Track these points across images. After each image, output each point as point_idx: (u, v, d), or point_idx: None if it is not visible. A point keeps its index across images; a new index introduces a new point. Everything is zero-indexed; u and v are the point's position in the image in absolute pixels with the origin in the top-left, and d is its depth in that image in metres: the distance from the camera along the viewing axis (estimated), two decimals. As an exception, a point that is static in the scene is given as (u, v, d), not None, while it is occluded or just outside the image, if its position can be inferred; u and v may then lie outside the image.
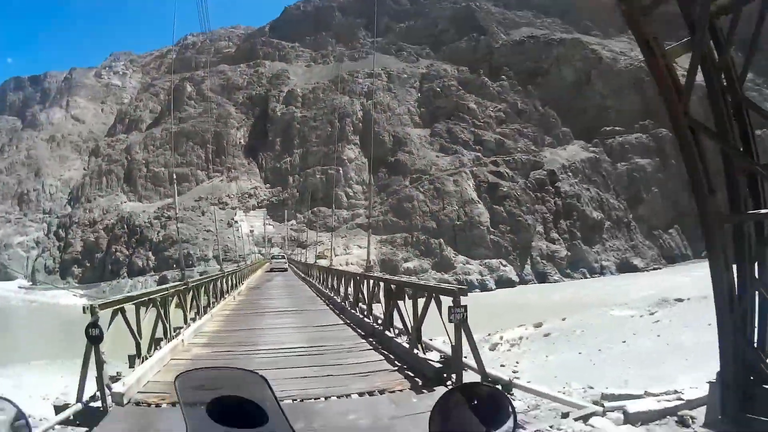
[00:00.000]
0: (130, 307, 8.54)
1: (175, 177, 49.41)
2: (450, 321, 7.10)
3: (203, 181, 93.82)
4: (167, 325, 10.72)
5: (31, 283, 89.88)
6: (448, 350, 7.84)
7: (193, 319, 13.75)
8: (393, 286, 10.73)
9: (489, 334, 24.53)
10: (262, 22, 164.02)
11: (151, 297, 9.89)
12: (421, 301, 8.91)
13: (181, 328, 12.19)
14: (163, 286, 12.20)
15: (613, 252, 77.71)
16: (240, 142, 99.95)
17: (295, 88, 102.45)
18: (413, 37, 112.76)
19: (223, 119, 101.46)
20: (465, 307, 7.06)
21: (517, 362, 18.82)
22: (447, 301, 7.52)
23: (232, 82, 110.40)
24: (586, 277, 73.58)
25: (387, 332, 10.64)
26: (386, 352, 9.81)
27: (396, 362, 9.03)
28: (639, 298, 35.14)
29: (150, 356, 9.12)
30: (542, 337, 22.99)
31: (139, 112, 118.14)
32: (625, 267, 75.68)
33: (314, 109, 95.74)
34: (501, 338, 23.57)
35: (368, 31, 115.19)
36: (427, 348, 8.94)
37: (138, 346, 8.73)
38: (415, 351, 8.68)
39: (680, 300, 26.23)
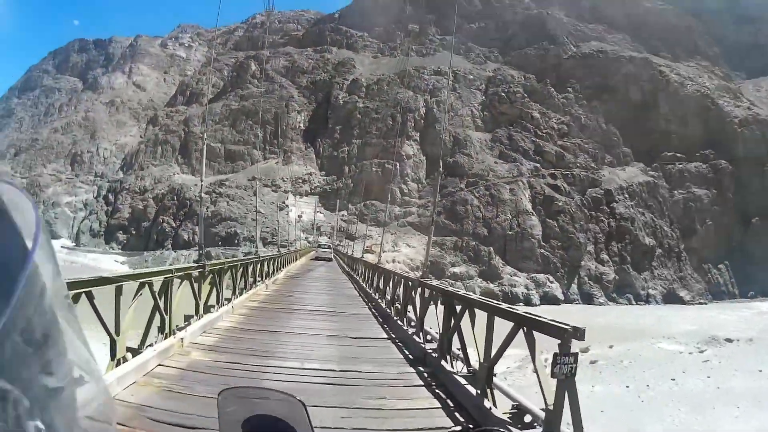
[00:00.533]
0: (107, 291, 6.65)
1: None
2: (553, 375, 4.68)
3: (258, 161, 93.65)
4: (165, 317, 8.47)
5: (74, 244, 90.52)
6: (529, 404, 5.92)
7: (208, 311, 11.39)
8: (458, 306, 8.28)
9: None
10: (332, 9, 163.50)
11: (144, 279, 7.80)
12: (500, 329, 6.49)
13: (191, 318, 10.07)
14: (166, 267, 9.48)
15: (660, 281, 75.33)
16: (299, 126, 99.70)
17: (360, 77, 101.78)
18: (483, 39, 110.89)
19: (284, 101, 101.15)
20: (576, 356, 4.73)
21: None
22: (541, 339, 5.44)
23: (297, 65, 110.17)
24: (631, 304, 71.45)
25: (444, 362, 8.22)
26: (443, 395, 7.15)
27: (456, 413, 6.46)
28: (684, 332, 34.50)
29: (129, 359, 7.03)
30: (588, 365, 22.07)
31: (201, 85, 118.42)
32: (670, 298, 73.35)
33: (377, 101, 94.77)
34: (546, 360, 22.42)
35: (438, 27, 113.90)
36: (497, 389, 6.61)
37: (113, 344, 6.68)
38: (486, 403, 6.19)
39: (729, 340, 25.41)
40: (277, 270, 25.54)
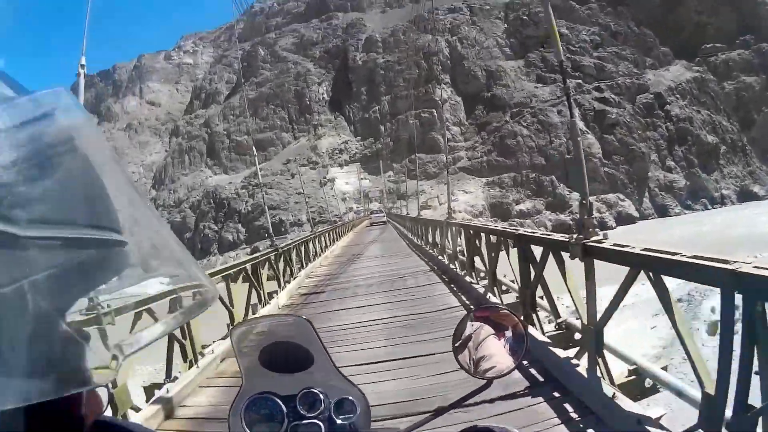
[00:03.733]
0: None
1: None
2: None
3: (289, 143, 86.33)
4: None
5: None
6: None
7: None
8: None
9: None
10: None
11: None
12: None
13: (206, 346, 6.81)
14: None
15: (732, 179, 69.06)
16: (323, 98, 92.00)
17: (373, 33, 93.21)
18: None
19: (302, 77, 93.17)
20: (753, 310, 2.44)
21: None
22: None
23: (306, 39, 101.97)
24: (707, 208, 65.15)
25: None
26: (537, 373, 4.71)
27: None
28: None
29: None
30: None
31: (215, 84, 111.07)
32: (745, 195, 67.15)
33: (397, 53, 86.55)
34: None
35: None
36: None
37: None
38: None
39: None
40: (323, 249, 21.09)
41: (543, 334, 5.52)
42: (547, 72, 75.73)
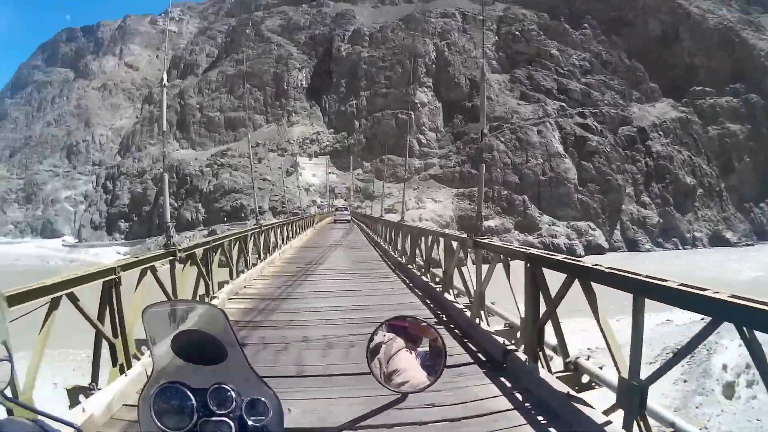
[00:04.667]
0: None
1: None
2: None
3: (261, 126, 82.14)
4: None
5: (76, 239, 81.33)
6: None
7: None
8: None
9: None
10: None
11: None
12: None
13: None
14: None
15: (705, 222, 67.71)
16: (301, 84, 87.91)
17: (362, 27, 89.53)
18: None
19: (283, 60, 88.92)
20: None
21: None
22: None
23: (293, 23, 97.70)
24: (678, 248, 63.72)
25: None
26: None
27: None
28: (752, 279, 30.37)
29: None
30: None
31: (195, 56, 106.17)
32: (716, 240, 66.10)
33: (383, 49, 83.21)
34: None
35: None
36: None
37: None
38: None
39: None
40: (274, 248, 15.86)
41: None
42: (532, 90, 73.16)
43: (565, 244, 56.62)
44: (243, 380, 1.30)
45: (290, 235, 20.84)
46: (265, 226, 14.60)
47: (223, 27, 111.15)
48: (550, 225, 59.51)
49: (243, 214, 64.88)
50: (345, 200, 66.27)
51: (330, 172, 70.36)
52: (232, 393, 1.28)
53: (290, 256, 16.39)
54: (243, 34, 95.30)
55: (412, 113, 66.79)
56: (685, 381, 9.84)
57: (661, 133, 71.24)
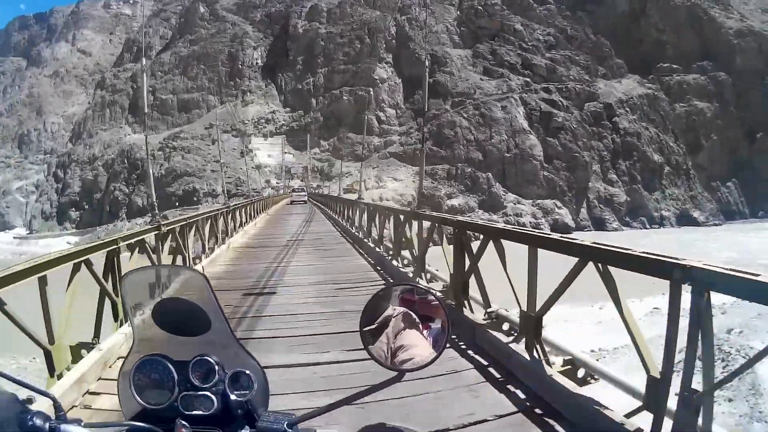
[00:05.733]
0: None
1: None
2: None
3: (215, 107, 77.93)
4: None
5: (28, 231, 78.43)
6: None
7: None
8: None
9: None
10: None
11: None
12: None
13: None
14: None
15: (672, 201, 66.39)
16: (257, 63, 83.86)
17: (320, 2, 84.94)
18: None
19: (238, 39, 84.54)
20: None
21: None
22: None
23: (248, 1, 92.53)
24: (645, 227, 62.41)
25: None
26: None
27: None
28: (728, 259, 25.55)
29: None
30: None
31: (149, 38, 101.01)
32: (684, 219, 64.94)
33: (341, 25, 79.28)
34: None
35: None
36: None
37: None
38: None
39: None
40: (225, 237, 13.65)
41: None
42: (495, 65, 70.25)
43: (530, 222, 54.04)
44: (226, 351, 1.23)
45: (246, 220, 18.02)
46: (212, 212, 13.11)
47: (177, 8, 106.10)
48: (515, 203, 57.03)
49: (195, 198, 61.43)
50: (302, 181, 63.07)
51: (286, 152, 66.61)
52: (216, 366, 1.20)
53: (233, 256, 12.38)
54: (197, 14, 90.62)
55: (371, 89, 63.20)
56: (730, 400, 7.40)
57: (627, 109, 69.38)
